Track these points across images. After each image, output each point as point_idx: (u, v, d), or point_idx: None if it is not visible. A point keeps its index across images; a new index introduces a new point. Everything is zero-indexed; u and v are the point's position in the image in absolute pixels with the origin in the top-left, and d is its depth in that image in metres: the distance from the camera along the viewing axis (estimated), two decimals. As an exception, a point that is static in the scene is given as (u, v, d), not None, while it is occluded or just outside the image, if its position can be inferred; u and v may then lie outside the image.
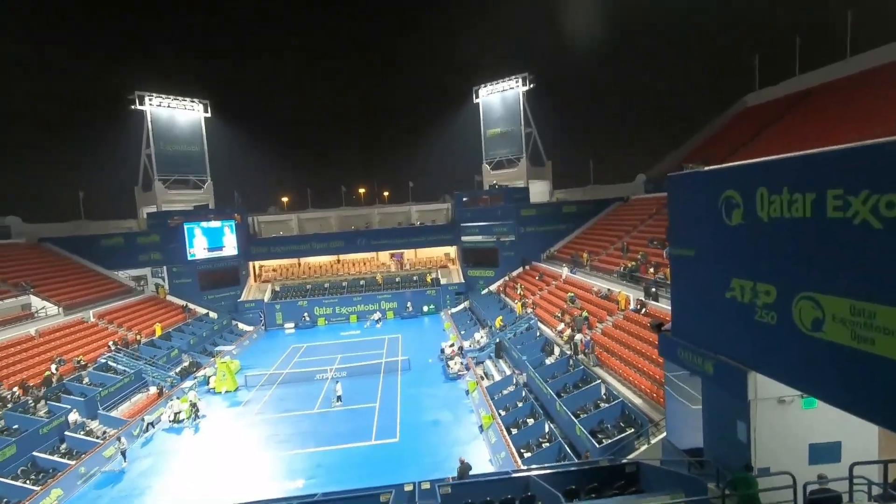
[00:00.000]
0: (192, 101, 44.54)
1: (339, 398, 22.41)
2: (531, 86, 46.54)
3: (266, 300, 39.87)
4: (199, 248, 39.51)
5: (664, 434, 13.01)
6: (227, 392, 24.91)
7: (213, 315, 38.04)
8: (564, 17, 69.33)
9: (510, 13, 71.23)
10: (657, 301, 21.15)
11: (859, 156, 5.44)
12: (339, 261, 45.71)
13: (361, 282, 42.49)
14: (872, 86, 28.86)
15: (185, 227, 38.96)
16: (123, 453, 18.00)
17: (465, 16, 78.56)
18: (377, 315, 39.47)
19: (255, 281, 43.94)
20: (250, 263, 43.73)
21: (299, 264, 45.44)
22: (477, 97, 49.96)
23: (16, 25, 55.05)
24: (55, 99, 62.76)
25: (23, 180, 56.35)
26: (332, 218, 47.70)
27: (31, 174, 57.78)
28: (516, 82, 46.87)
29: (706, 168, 8.72)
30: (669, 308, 19.50)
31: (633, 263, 25.80)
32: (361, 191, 60.20)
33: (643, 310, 21.25)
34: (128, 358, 26.24)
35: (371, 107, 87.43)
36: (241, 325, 38.53)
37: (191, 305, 37.68)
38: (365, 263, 45.74)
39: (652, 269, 23.69)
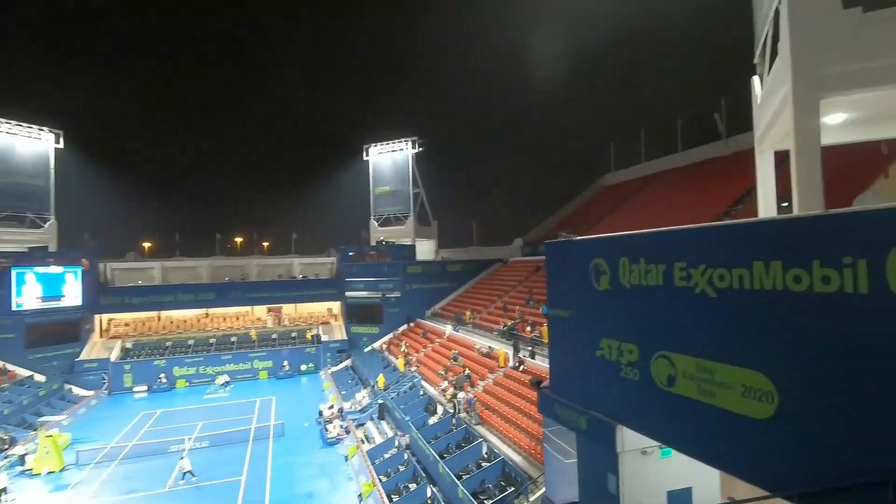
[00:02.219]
0: (41, 130, 39.19)
1: (184, 475, 19.29)
2: (420, 149, 48.81)
3: (113, 359, 34.51)
4: (29, 296, 33.49)
5: (543, 490, 13.40)
6: (49, 473, 20.59)
7: (39, 378, 31.80)
8: (452, 92, 75.00)
9: (402, 77, 75.15)
10: (534, 358, 22.34)
11: (696, 236, 6.49)
12: (207, 315, 41.62)
13: (233, 338, 38.97)
14: (699, 175, 34.99)
15: (14, 271, 32.98)
16: None
17: (358, 75, 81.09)
18: (223, 378, 34.89)
19: (102, 336, 38.07)
20: (97, 316, 37.96)
21: (159, 318, 40.49)
22: (367, 155, 50.99)
23: None
24: None
25: None
26: (202, 268, 43.79)
27: None
28: (406, 144, 48.88)
29: (578, 237, 9.71)
30: (546, 365, 20.71)
31: (512, 322, 27.17)
32: (238, 240, 56.62)
33: (521, 367, 22.25)
34: None
35: (255, 154, 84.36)
36: (76, 390, 32.59)
37: (10, 367, 31.23)
38: (238, 318, 42.22)
39: (529, 328, 25.14)
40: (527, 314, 27.38)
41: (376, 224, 50.89)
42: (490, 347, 26.62)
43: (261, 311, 42.97)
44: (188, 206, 69.57)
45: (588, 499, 9.18)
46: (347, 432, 23.93)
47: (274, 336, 40.18)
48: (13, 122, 37.59)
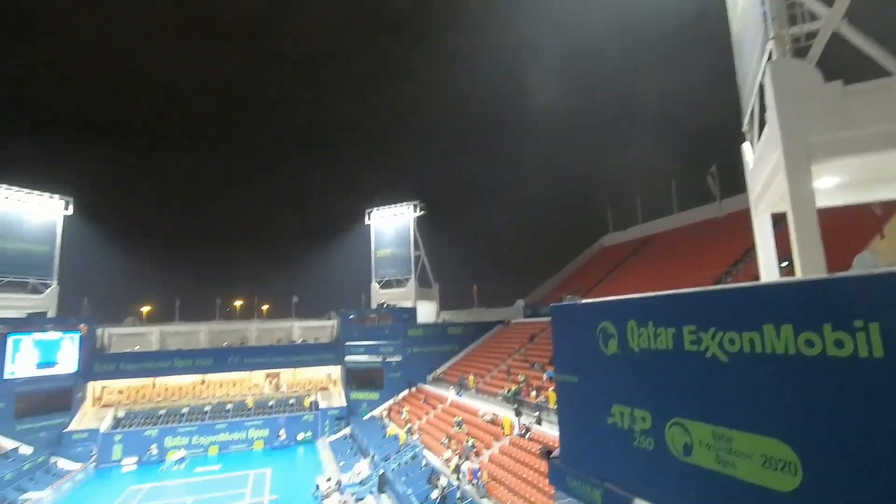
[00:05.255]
0: (51, 197, 40.13)
1: None
2: (420, 212, 49.75)
3: (103, 429, 33.26)
4: (24, 364, 32.86)
5: (555, 572, 12.50)
6: (27, 557, 19.27)
7: (25, 450, 30.51)
8: (452, 157, 77.68)
9: (404, 143, 78.05)
10: (540, 424, 21.59)
11: (706, 298, 6.51)
12: (203, 382, 40.60)
13: (228, 406, 37.77)
14: (695, 236, 35.48)
15: (10, 338, 32.56)
16: None
17: (358, 141, 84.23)
18: (180, 453, 32.23)
19: (94, 405, 36.91)
20: (90, 384, 37.00)
21: (153, 385, 39.45)
22: (369, 219, 51.88)
23: None
24: None
25: None
26: (201, 332, 43.31)
27: None
28: (407, 208, 49.87)
29: (583, 300, 9.71)
30: (553, 432, 20.02)
31: (517, 386, 26.50)
32: (238, 303, 56.28)
33: (527, 434, 21.46)
34: None
35: (257, 219, 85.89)
36: (62, 463, 31.13)
37: (-5, 438, 30.09)
38: (235, 385, 41.14)
39: (534, 393, 24.49)
40: (531, 378, 26.76)
41: (378, 287, 50.88)
42: (494, 414, 25.78)
43: (259, 377, 41.95)
44: (190, 271, 69.89)
45: (606, 582, 8.57)
46: (346, 508, 22.66)
47: (271, 403, 38.97)
48: (24, 191, 38.54)
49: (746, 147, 12.13)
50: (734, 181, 36.30)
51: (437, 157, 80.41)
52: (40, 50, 64.82)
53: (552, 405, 22.04)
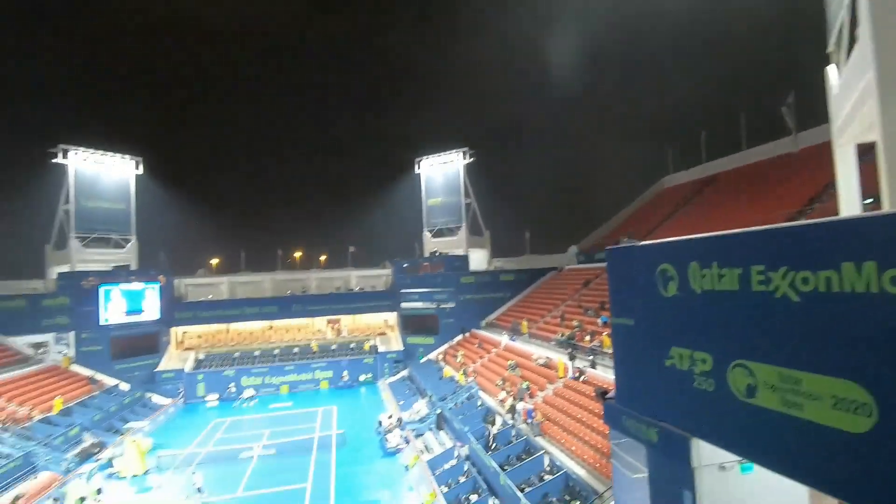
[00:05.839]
0: (124, 158, 42.71)
1: (198, 490, 19.80)
2: (470, 159, 49.02)
3: (187, 370, 36.72)
4: (114, 312, 36.35)
5: (609, 505, 12.95)
6: (134, 476, 22.08)
7: (124, 387, 34.35)
8: (503, 98, 75.12)
9: (453, 89, 76.12)
10: (594, 368, 21.72)
11: (778, 237, 6.13)
12: (271, 327, 43.51)
13: (295, 349, 40.45)
14: (766, 174, 33.01)
15: (101, 288, 35.93)
16: None
17: (408, 89, 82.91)
18: (250, 392, 35.58)
19: (177, 348, 40.63)
20: (172, 329, 40.57)
21: (227, 331, 42.74)
22: (419, 168, 51.76)
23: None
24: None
25: None
26: (266, 282, 45.95)
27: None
28: (457, 156, 49.24)
29: (641, 242, 9.41)
30: (607, 375, 20.12)
31: (571, 332, 26.57)
32: (297, 255, 58.85)
33: (581, 377, 21.68)
34: (15, 438, 22.82)
35: (311, 171, 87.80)
36: (155, 398, 34.95)
37: (98, 376, 33.94)
38: (299, 330, 43.82)
39: (588, 337, 24.50)
40: (585, 323, 26.71)
41: (429, 236, 51.47)
42: (548, 358, 26.13)
43: (321, 322, 44.43)
44: (252, 224, 73.35)
45: (661, 515, 8.78)
46: (407, 442, 24.15)
47: (333, 347, 41.36)
48: (100, 152, 41.19)
49: (831, 70, 10.91)
50: (813, 113, 33.07)
51: (489, 100, 77.94)
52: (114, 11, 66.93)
53: (606, 349, 22.04)
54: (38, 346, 33.98)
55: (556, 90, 70.81)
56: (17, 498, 18.87)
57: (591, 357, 22.53)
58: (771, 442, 6.39)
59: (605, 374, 20.47)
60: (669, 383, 8.06)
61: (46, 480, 20.89)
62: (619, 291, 9.86)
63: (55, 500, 19.01)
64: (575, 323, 27.25)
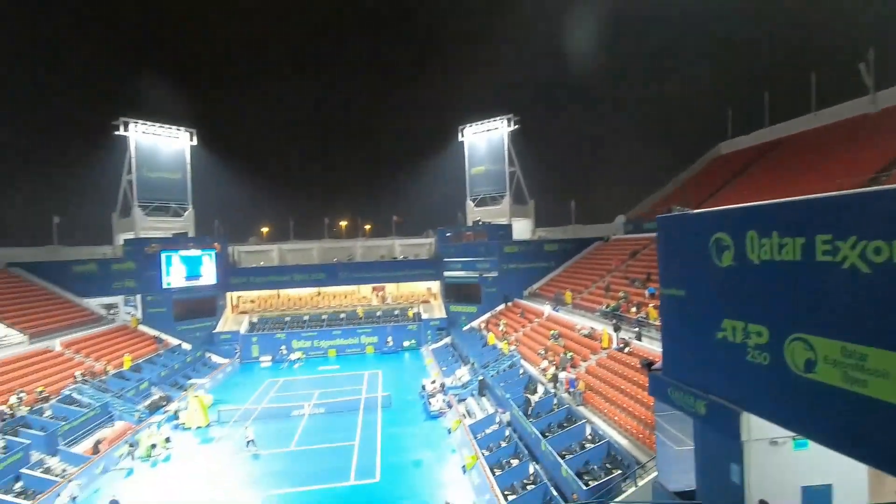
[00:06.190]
0: (179, 129, 44.49)
1: (249, 443, 20.96)
2: (515, 127, 47.90)
3: (243, 332, 38.81)
4: (175, 276, 38.59)
5: (652, 476, 12.90)
6: (198, 428, 23.85)
7: (186, 346, 36.79)
8: (547, 63, 72.41)
9: (498, 55, 73.92)
10: (640, 340, 21.33)
11: (848, 204, 5.71)
12: (319, 293, 45.08)
13: (342, 315, 41.84)
14: (838, 138, 30.56)
15: (163, 254, 38.12)
16: (74, 500, 16.70)
17: (453, 57, 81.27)
18: (298, 354, 37.80)
19: (232, 312, 42.89)
20: (228, 294, 42.76)
21: (278, 296, 44.65)
22: (462, 136, 51.12)
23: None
24: (32, 122, 61.81)
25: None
26: (313, 250, 47.38)
27: (1, 198, 56.04)
28: (501, 123, 48.21)
29: (695, 211, 9.01)
30: (652, 347, 19.71)
31: (616, 303, 26.09)
32: (343, 223, 60.10)
33: (626, 349, 21.37)
34: (94, 390, 25.03)
35: (357, 141, 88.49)
36: (214, 358, 37.28)
37: (163, 336, 36.45)
38: (346, 296, 45.20)
39: (634, 309, 24.00)
40: (631, 294, 26.13)
41: (472, 205, 51.18)
42: (592, 328, 25.86)
43: (366, 290, 45.62)
44: (300, 193, 75.14)
45: (707, 488, 8.69)
46: (449, 406, 24.77)
47: (378, 313, 42.48)
48: (157, 125, 43.05)
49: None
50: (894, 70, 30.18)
51: (533, 65, 75.30)
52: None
53: (653, 321, 21.54)
54: (109, 307, 36.71)
55: (606, 50, 67.25)
56: (98, 442, 20.86)
57: (637, 329, 22.10)
58: (830, 419, 6.14)
59: (651, 346, 20.06)
60: (720, 356, 7.83)
61: (121, 428, 22.92)
62: (670, 261, 9.55)
63: (130, 445, 20.88)
64: (621, 294, 26.70)
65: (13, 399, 21.43)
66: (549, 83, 70.55)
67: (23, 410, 21.18)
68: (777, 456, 7.64)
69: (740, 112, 43.79)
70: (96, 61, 63.77)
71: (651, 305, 22.94)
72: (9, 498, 16.22)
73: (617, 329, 23.17)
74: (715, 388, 8.08)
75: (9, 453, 17.91)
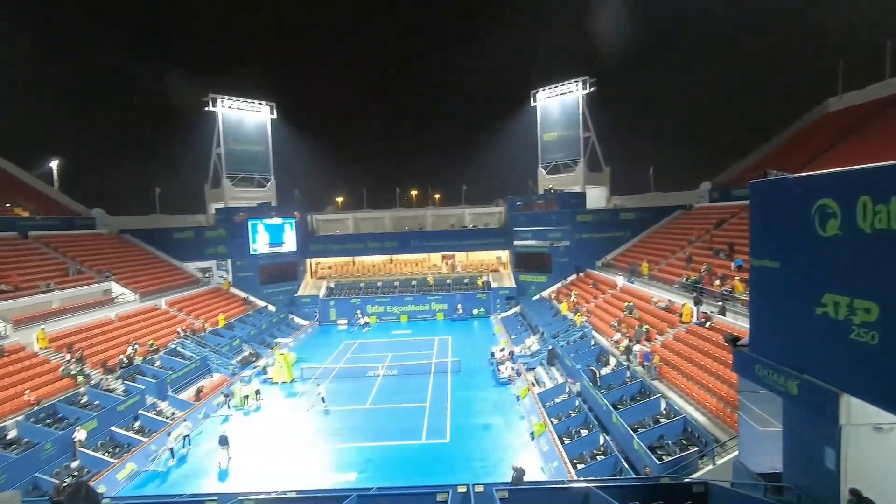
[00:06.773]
0: (260, 104, 46.79)
1: (322, 399, 22.30)
2: (591, 89, 45.51)
3: (321, 296, 41.10)
4: (261, 243, 41.34)
5: (732, 455, 12.35)
6: (283, 383, 25.85)
7: (271, 308, 39.66)
8: (627, 18, 67.41)
9: (571, 16, 70.07)
10: (724, 315, 20.09)
11: None
12: (391, 261, 46.50)
13: (413, 282, 42.97)
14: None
15: (249, 223, 40.87)
16: (187, 438, 18.90)
17: (526, 18, 78.07)
18: (366, 319, 39.31)
19: (312, 277, 45.42)
20: (307, 260, 45.26)
21: (353, 263, 46.59)
22: (534, 101, 49.40)
23: (101, 31, 59.74)
24: (136, 100, 67.55)
25: (107, 175, 60.88)
26: (386, 218, 48.66)
27: (114, 170, 62.38)
28: (576, 86, 45.95)
29: (795, 175, 8.18)
30: (737, 322, 18.54)
31: (697, 275, 24.65)
32: (413, 193, 60.91)
33: (707, 323, 20.24)
34: (194, 345, 27.78)
35: (426, 109, 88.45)
36: (297, 319, 39.97)
37: (252, 298, 39.47)
38: (417, 264, 46.27)
39: (718, 282, 22.57)
40: (716, 266, 24.53)
41: (544, 172, 49.74)
42: (670, 301, 24.69)
43: (436, 258, 46.40)
44: (372, 163, 76.93)
45: (795, 471, 8.18)
46: (518, 374, 24.94)
47: (448, 281, 43.15)
48: (241, 99, 45.50)
49: None
50: None
51: (611, 18, 70.53)
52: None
53: (739, 294, 20.16)
54: (204, 270, 40.19)
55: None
56: (199, 390, 23.31)
57: (721, 302, 20.79)
58: (949, 406, 5.49)
59: (736, 321, 18.85)
60: (819, 333, 7.20)
61: (218, 380, 25.38)
62: (764, 230, 8.80)
63: (225, 395, 23.15)
64: (704, 266, 25.13)
65: (129, 350, 24.30)
66: (628, 38, 65.75)
67: (137, 360, 23.98)
68: (881, 443, 6.99)
69: (853, 64, 38.63)
70: (188, 40, 68.04)
71: (737, 278, 21.45)
72: (130, 433, 18.64)
73: (698, 302, 21.98)
74: (811, 367, 7.46)
75: (129, 396, 20.48)
